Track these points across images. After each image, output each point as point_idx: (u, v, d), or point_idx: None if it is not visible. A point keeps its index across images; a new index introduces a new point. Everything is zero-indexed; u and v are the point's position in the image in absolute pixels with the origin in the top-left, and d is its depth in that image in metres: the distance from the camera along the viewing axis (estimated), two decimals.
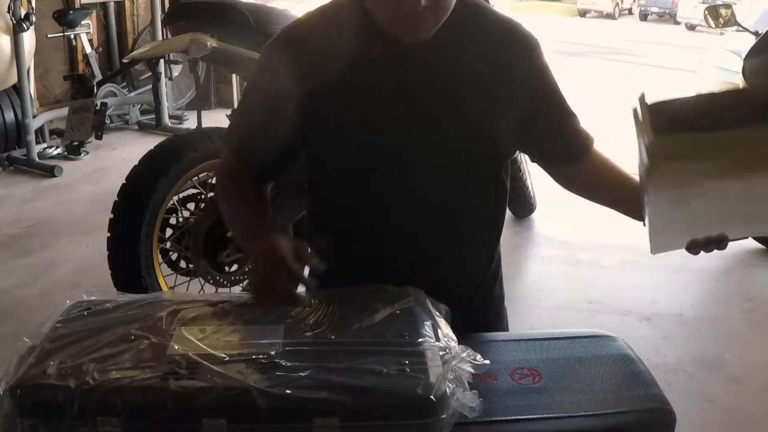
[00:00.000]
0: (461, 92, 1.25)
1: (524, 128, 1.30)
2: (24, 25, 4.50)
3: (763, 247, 3.66)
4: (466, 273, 1.38)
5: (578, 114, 1.37)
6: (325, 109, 1.24)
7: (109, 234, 2.56)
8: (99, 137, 4.50)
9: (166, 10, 4.32)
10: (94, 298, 1.12)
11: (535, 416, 1.07)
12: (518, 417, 1.06)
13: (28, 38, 4.67)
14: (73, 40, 5.55)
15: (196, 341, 0.99)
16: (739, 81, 3.51)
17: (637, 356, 1.23)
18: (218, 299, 1.14)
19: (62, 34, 5.38)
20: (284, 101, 1.24)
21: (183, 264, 2.75)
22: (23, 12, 4.53)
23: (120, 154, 4.93)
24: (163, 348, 0.98)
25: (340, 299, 1.12)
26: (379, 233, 1.30)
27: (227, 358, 0.95)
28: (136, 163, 2.63)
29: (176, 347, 0.98)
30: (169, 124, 5.63)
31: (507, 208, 1.43)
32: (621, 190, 1.36)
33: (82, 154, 4.88)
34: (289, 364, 0.94)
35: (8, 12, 4.49)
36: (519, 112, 1.28)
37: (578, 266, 3.57)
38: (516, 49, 1.27)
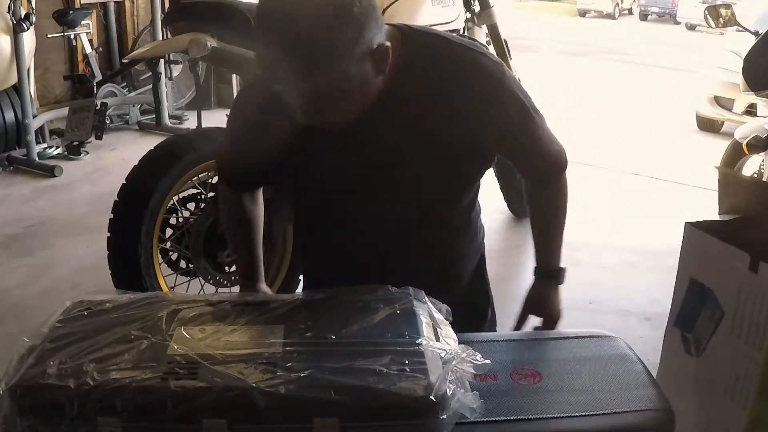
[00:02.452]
0: (411, 141, 1.23)
1: (496, 151, 1.34)
2: (24, 25, 4.50)
3: None
4: (442, 282, 1.37)
5: (555, 133, 1.38)
6: (288, 161, 1.29)
7: (109, 234, 2.56)
8: (99, 137, 4.50)
9: (166, 10, 4.32)
10: (94, 298, 1.12)
11: (535, 416, 1.07)
12: (518, 417, 1.06)
13: (28, 38, 4.67)
14: (73, 40, 5.55)
15: (196, 341, 1.00)
16: (739, 81, 3.50)
17: (637, 356, 1.23)
18: (218, 299, 1.14)
19: (62, 34, 5.38)
20: (258, 140, 1.28)
21: (183, 264, 2.75)
22: (23, 12, 4.53)
23: (120, 154, 4.93)
24: (163, 348, 0.98)
25: (340, 299, 1.12)
26: (353, 250, 1.34)
27: (227, 358, 0.96)
28: (136, 163, 2.63)
29: (176, 347, 0.98)
30: (169, 124, 5.63)
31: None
32: (535, 233, 1.49)
33: (82, 154, 4.88)
34: (289, 364, 0.95)
35: (8, 12, 4.49)
36: (484, 143, 1.28)
37: (578, 266, 3.56)
38: (475, 84, 1.23)
